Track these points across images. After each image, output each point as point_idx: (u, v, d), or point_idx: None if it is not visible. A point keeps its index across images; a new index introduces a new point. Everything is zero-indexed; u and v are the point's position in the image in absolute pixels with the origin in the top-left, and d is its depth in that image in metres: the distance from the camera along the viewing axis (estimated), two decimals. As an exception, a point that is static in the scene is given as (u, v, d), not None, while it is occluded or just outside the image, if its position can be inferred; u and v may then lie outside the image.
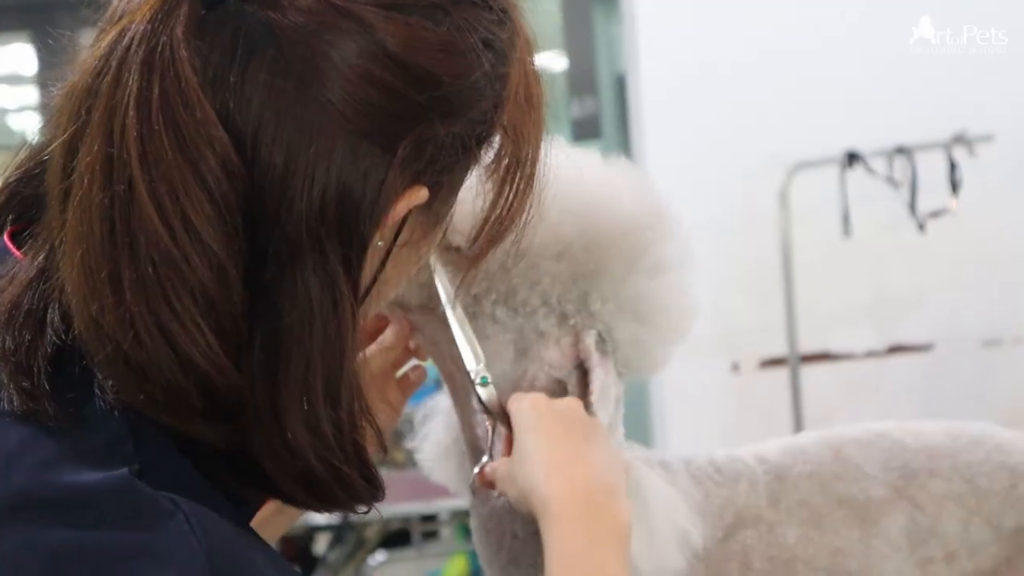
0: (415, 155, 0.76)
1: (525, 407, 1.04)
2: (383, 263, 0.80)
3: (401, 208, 0.78)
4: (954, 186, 3.28)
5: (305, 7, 0.74)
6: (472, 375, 1.05)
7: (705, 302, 3.99)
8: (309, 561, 3.73)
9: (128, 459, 0.74)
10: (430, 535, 4.72)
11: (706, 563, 1.13)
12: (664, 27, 3.45)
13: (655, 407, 3.57)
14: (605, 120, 3.94)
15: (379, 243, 0.79)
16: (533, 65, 0.85)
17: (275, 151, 0.73)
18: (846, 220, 3.33)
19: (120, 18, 0.76)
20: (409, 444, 1.24)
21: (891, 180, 3.28)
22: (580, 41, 3.96)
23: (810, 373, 3.51)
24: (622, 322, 1.08)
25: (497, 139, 0.84)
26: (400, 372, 1.17)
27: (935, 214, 3.29)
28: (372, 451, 0.83)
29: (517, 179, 0.86)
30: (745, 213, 3.47)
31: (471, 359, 1.05)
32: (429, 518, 4.23)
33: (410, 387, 1.17)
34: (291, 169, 0.73)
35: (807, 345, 3.49)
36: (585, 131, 3.89)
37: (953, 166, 3.28)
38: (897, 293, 3.58)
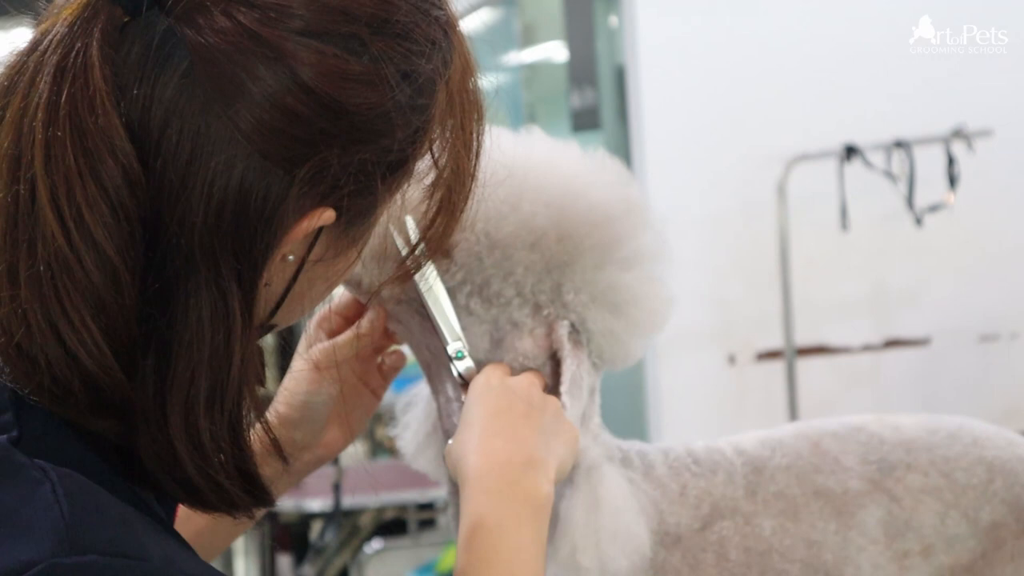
0: (317, 178, 0.78)
1: (479, 380, 1.05)
2: (295, 278, 0.82)
3: (303, 228, 0.79)
4: (952, 180, 3.28)
5: (221, 28, 0.75)
6: (449, 351, 1.06)
7: (702, 294, 4.01)
8: (304, 548, 3.74)
9: (6, 427, 0.76)
10: (426, 524, 4.73)
11: (683, 553, 1.14)
12: (664, 19, 3.45)
13: (651, 398, 3.57)
14: (605, 111, 3.93)
15: (290, 258, 0.81)
16: (469, 90, 0.87)
17: (175, 164, 0.75)
18: (844, 213, 3.33)
19: (49, 18, 0.78)
20: (391, 432, 1.24)
21: (889, 174, 3.28)
22: (580, 32, 3.96)
23: (806, 366, 3.51)
24: (595, 313, 1.09)
25: (425, 163, 0.86)
26: (391, 349, 1.18)
27: (933, 208, 3.29)
28: (273, 463, 0.87)
29: (449, 201, 0.89)
30: (743, 205, 3.47)
31: (448, 334, 1.06)
32: (425, 507, 4.24)
33: (391, 372, 1.18)
34: (189, 183, 0.75)
35: (804, 338, 3.49)
36: (584, 122, 3.88)
37: (951, 160, 3.28)
38: (894, 287, 3.58)
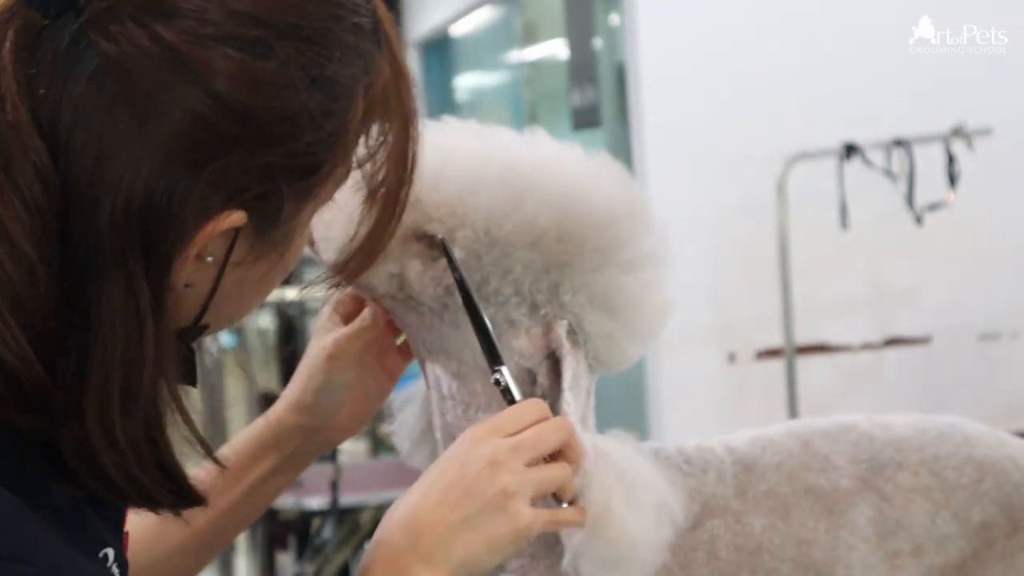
0: (220, 181, 0.79)
1: (465, 433, 0.99)
2: (218, 280, 0.83)
3: (210, 230, 0.80)
4: (952, 179, 3.28)
5: (130, 33, 0.77)
6: (493, 379, 1.04)
7: (702, 292, 4.01)
8: (304, 544, 3.74)
9: None
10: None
11: (673, 552, 1.13)
12: (664, 17, 3.46)
13: (651, 396, 3.58)
14: (605, 109, 3.93)
15: (209, 259, 0.82)
16: (399, 97, 0.87)
17: (82, 162, 0.77)
18: (843, 212, 3.33)
19: None
20: (387, 429, 1.24)
21: (889, 172, 3.28)
22: (581, 29, 3.96)
23: (806, 364, 3.51)
24: (592, 315, 1.08)
25: (349, 166, 0.87)
26: (400, 339, 1.18)
27: (933, 207, 3.29)
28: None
29: (379, 205, 0.90)
30: (743, 203, 3.47)
31: (492, 358, 1.04)
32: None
33: (408, 353, 1.18)
34: (96, 181, 0.77)
35: (803, 336, 3.49)
36: (585, 120, 3.89)
37: (951, 159, 3.28)
38: (894, 286, 3.58)
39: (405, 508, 0.95)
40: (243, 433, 1.19)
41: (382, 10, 0.86)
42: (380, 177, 0.90)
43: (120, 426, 0.79)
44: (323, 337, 1.16)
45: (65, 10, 0.78)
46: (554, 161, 1.09)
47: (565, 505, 1.00)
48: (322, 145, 0.82)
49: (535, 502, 0.96)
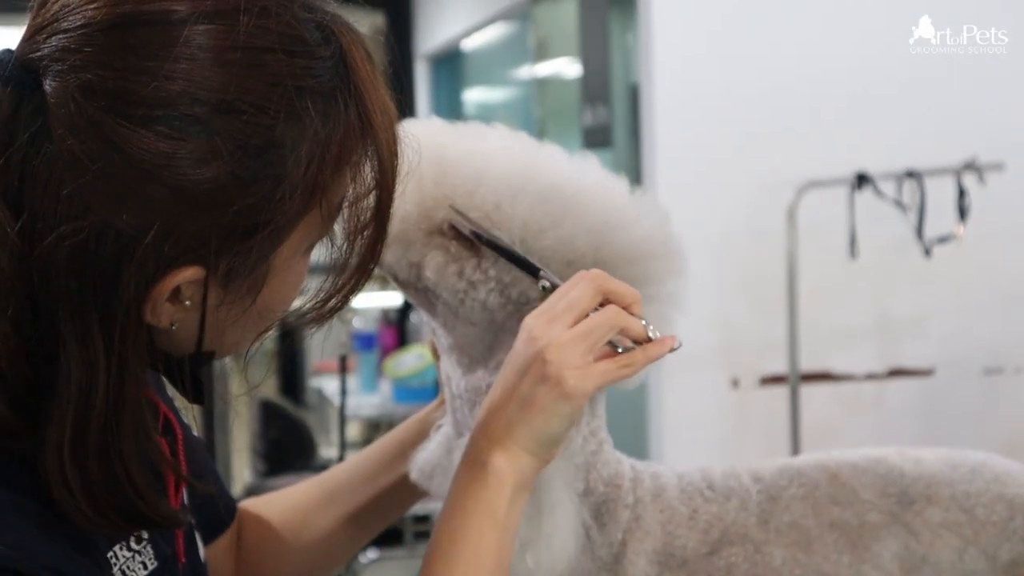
0: (163, 243, 0.83)
1: (521, 329, 1.02)
2: (202, 320, 0.89)
3: (165, 285, 0.85)
4: (962, 212, 3.28)
5: (66, 112, 0.81)
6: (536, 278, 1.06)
7: (707, 316, 3.99)
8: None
9: None
10: (422, 535, 4.72)
11: None
12: (680, 40, 3.45)
13: (653, 419, 3.57)
14: (617, 130, 3.93)
15: (187, 303, 0.87)
16: (364, 143, 0.89)
17: (36, 226, 0.82)
18: (853, 241, 3.33)
19: None
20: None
21: (900, 203, 3.28)
22: (595, 49, 3.96)
23: (810, 392, 3.51)
24: None
25: (330, 211, 0.90)
26: None
27: (942, 239, 3.29)
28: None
29: (357, 245, 0.93)
30: (752, 229, 3.47)
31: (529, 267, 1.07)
32: (422, 519, 4.23)
33: None
34: (48, 244, 0.82)
35: (808, 364, 3.49)
36: (596, 140, 3.88)
37: (962, 192, 3.28)
38: (900, 316, 3.58)
39: (481, 408, 1.02)
40: (390, 434, 1.30)
41: (358, 64, 0.89)
42: (361, 218, 0.93)
43: (71, 470, 0.85)
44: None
45: (30, 90, 0.83)
46: (600, 188, 1.11)
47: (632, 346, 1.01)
48: (259, 207, 0.85)
49: (600, 357, 0.99)
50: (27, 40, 0.85)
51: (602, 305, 0.99)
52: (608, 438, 1.16)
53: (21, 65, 0.83)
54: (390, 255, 1.10)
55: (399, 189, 0.93)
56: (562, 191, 1.07)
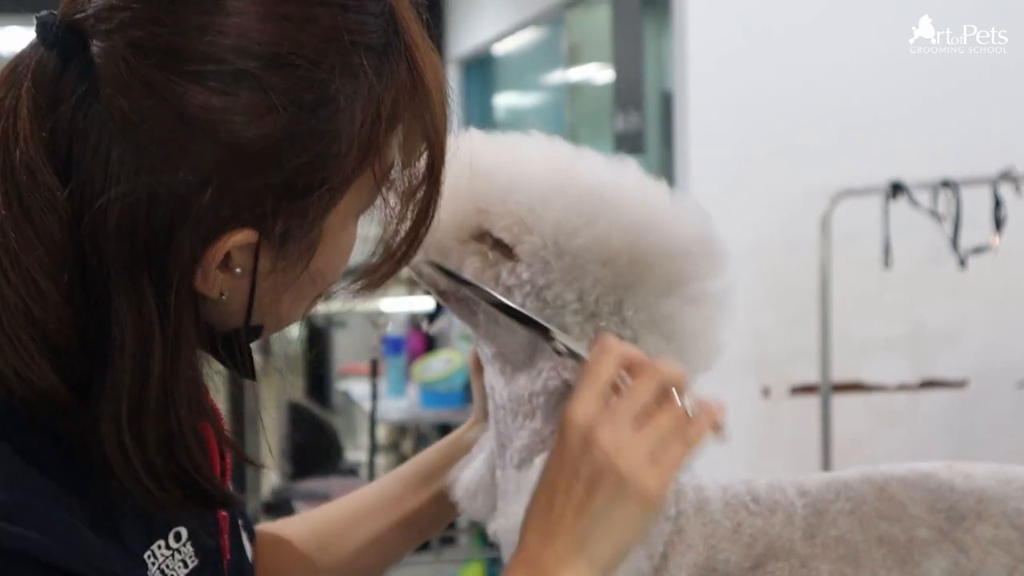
0: (217, 205, 0.82)
1: (565, 419, 0.95)
2: (252, 289, 0.87)
3: (217, 249, 0.83)
4: (998, 223, 3.25)
5: (115, 70, 0.80)
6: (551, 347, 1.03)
7: (739, 324, 3.96)
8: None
9: None
10: (448, 541, 4.72)
11: None
12: (714, 46, 3.44)
13: (682, 427, 3.55)
14: (649, 136, 3.92)
15: (237, 271, 0.86)
16: (415, 102, 0.87)
17: (89, 190, 0.81)
18: (887, 251, 3.30)
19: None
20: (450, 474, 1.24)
21: (935, 213, 3.26)
22: (629, 54, 3.94)
23: (841, 402, 3.48)
24: (650, 335, 1.08)
25: (384, 173, 0.89)
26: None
27: (977, 250, 3.26)
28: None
29: (412, 207, 0.91)
30: (786, 237, 3.45)
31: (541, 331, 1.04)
32: (448, 524, 4.22)
33: None
34: (100, 211, 0.81)
35: (840, 374, 3.47)
36: (628, 146, 3.87)
37: (998, 203, 3.25)
38: (934, 327, 3.55)
39: (531, 508, 0.94)
40: (419, 456, 1.28)
41: (407, 23, 0.87)
42: (412, 182, 0.91)
43: (130, 442, 0.84)
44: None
45: (76, 52, 0.81)
46: (639, 187, 1.09)
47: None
48: (315, 165, 0.83)
49: (662, 447, 0.92)
50: (70, 1, 0.83)
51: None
52: None
53: (66, 27, 0.82)
54: (428, 266, 1.09)
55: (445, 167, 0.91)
56: (600, 191, 1.06)
